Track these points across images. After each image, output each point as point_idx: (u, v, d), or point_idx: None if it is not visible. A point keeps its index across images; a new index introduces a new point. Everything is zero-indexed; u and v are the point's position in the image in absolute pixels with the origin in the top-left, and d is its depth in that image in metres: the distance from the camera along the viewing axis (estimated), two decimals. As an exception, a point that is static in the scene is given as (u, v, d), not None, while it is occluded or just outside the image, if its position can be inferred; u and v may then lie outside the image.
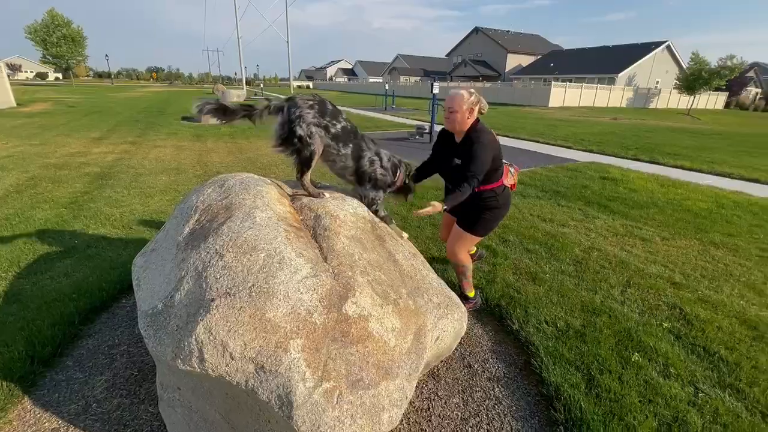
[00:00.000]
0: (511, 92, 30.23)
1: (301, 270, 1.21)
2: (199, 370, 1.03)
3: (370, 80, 64.31)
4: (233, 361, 1.01)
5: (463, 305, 1.91)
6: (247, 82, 57.23)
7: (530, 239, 3.68)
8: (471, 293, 2.61)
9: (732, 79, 30.25)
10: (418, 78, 53.23)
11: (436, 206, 2.03)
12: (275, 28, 41.71)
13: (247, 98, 28.46)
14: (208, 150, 7.91)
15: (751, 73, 42.68)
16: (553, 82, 26.96)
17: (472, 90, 2.23)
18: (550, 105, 26.33)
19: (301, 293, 1.14)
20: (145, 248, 1.78)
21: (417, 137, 10.68)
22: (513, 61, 45.23)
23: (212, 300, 1.09)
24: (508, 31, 49.33)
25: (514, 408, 1.88)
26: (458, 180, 2.16)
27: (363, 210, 2.00)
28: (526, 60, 45.73)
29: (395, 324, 1.29)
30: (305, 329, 1.07)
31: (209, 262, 1.21)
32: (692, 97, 30.68)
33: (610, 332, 2.33)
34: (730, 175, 6.90)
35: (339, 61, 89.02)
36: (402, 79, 52.13)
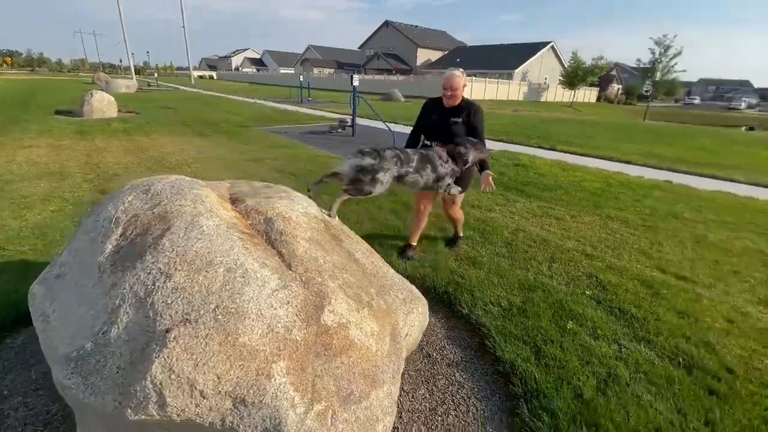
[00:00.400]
0: (423, 85, 31.54)
1: (269, 282, 1.08)
2: (159, 417, 0.85)
3: (281, 71, 61.62)
4: (205, 400, 0.85)
5: (423, 297, 1.92)
6: (137, 71, 50.35)
7: (464, 226, 3.87)
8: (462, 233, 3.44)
9: (601, 77, 35.67)
10: (332, 70, 52.50)
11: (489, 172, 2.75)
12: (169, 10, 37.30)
13: (139, 89, 25.14)
14: (99, 149, 6.78)
15: (614, 72, 50.64)
16: (456, 73, 28.76)
17: (461, 69, 2.81)
18: (459, 98, 28.09)
19: (275, 308, 1.01)
20: (45, 274, 1.43)
21: (339, 130, 10.52)
22: (423, 55, 47.16)
23: (167, 330, 0.90)
24: (416, 26, 51.23)
25: (476, 389, 1.96)
26: (458, 135, 2.71)
27: (313, 209, 1.88)
28: (434, 55, 48.02)
29: (373, 327, 1.23)
30: (287, 348, 0.95)
31: (154, 284, 1.00)
32: (573, 91, 35.46)
33: (546, 305, 2.56)
34: (610, 158, 8.12)
35: (245, 50, 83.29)
36: (315, 70, 50.90)
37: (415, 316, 1.66)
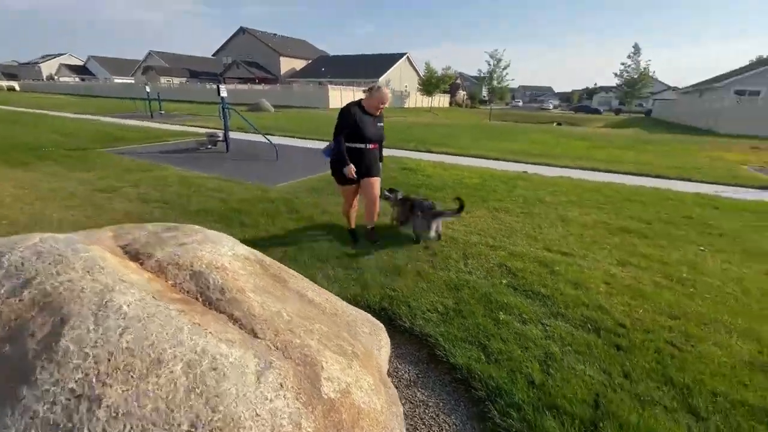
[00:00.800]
0: (290, 95, 30.92)
1: (248, 364, 0.81)
2: None
3: (116, 80, 52.58)
4: None
5: (379, 322, 1.79)
6: None
7: (377, 233, 3.85)
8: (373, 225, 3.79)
9: (451, 84, 40.66)
10: (183, 79, 46.99)
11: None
12: (-71, 0, 27.86)
13: None
14: None
15: (458, 80, 58.42)
16: (329, 86, 29.16)
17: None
18: (331, 106, 28.46)
19: (271, 401, 0.75)
20: None
21: (209, 146, 9.43)
22: (286, 64, 46.17)
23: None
24: (275, 35, 49.86)
25: (441, 404, 1.93)
26: (380, 138, 3.48)
27: (241, 248, 1.58)
28: (298, 63, 47.52)
29: (369, 380, 1.06)
30: (301, 450, 0.71)
31: (70, 420, 0.64)
32: (430, 98, 39.55)
33: (475, 301, 2.71)
34: (477, 156, 9.27)
35: (60, 55, 67.95)
36: (163, 80, 44.82)
37: (385, 348, 1.53)
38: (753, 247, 3.90)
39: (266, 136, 9.06)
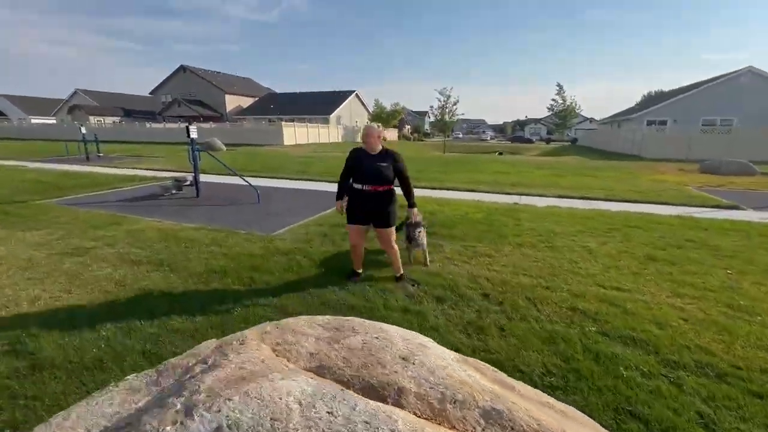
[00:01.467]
0: (240, 132, 29.97)
1: None
2: None
3: (34, 121, 47.64)
4: None
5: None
6: None
7: (430, 297, 3.53)
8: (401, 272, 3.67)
9: (399, 119, 42.30)
10: (117, 118, 43.71)
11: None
12: None
13: None
14: None
15: (404, 115, 61.09)
16: (283, 123, 28.75)
17: (377, 123, 3.39)
18: (285, 143, 27.94)
19: None
20: None
21: (174, 192, 8.55)
22: (232, 102, 45.11)
23: None
24: (219, 72, 48.84)
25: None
26: (386, 178, 3.30)
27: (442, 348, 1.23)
28: (244, 101, 46.67)
29: None
30: None
31: None
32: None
33: (582, 356, 2.48)
34: (456, 189, 9.34)
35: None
36: (93, 119, 41.30)
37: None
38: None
39: (244, 178, 8.41)
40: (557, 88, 39.29)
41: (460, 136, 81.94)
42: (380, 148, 3.30)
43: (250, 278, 3.68)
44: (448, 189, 9.34)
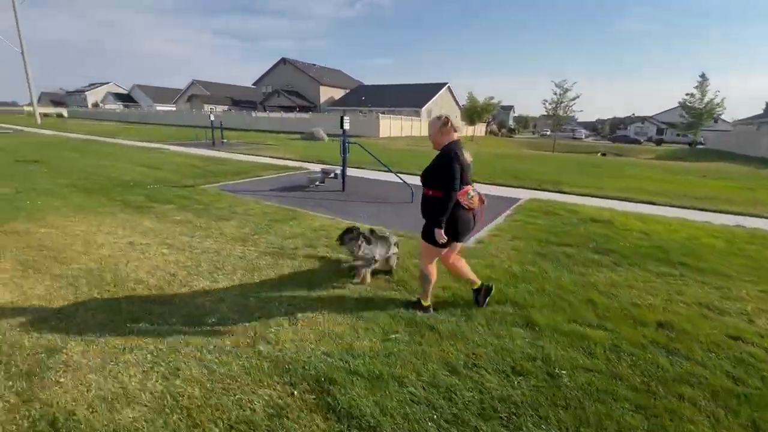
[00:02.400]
0: (336, 123, 30.53)
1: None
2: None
3: (158, 108, 54.20)
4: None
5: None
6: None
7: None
8: (426, 303, 2.92)
9: (492, 114, 39.99)
10: (226, 107, 47.88)
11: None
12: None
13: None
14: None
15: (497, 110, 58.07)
16: (380, 115, 28.69)
17: (439, 115, 2.72)
18: (381, 135, 27.84)
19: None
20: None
21: (317, 184, 8.40)
22: (325, 93, 46.65)
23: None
24: (314, 65, 50.83)
25: None
26: (428, 179, 2.73)
27: None
28: (336, 92, 47.98)
29: None
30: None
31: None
32: (473, 127, 38.91)
33: None
34: (623, 198, 7.80)
35: (105, 83, 71.24)
36: (207, 108, 45.71)
37: None
38: None
39: (399, 176, 7.94)
40: (699, 79, 32.59)
41: (548, 133, 75.96)
42: (444, 144, 2.68)
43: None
44: (618, 199, 7.87)
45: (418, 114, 36.67)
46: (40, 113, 34.55)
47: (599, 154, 32.46)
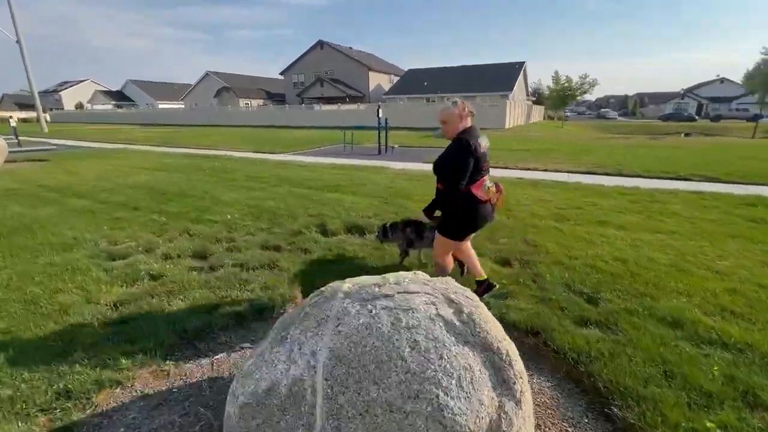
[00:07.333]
0: (434, 113, 24.89)
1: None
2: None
3: (161, 106, 47.08)
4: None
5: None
6: None
7: None
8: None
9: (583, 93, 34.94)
10: (261, 101, 41.16)
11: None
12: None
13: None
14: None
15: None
16: (508, 102, 23.27)
17: (454, 100, 2.54)
18: (507, 126, 22.55)
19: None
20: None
21: None
22: (374, 79, 40.62)
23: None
24: (351, 48, 44.42)
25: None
26: (437, 170, 2.63)
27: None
28: (382, 79, 42.01)
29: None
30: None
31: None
32: (562, 111, 34.04)
33: None
34: None
35: (81, 81, 61.29)
36: (241, 102, 38.97)
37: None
38: None
39: None
40: None
41: (587, 112, 73.16)
42: (450, 134, 2.51)
43: None
44: None
45: (506, 98, 31.32)
46: (18, 118, 26.39)
47: (683, 135, 28.61)
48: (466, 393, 1.21)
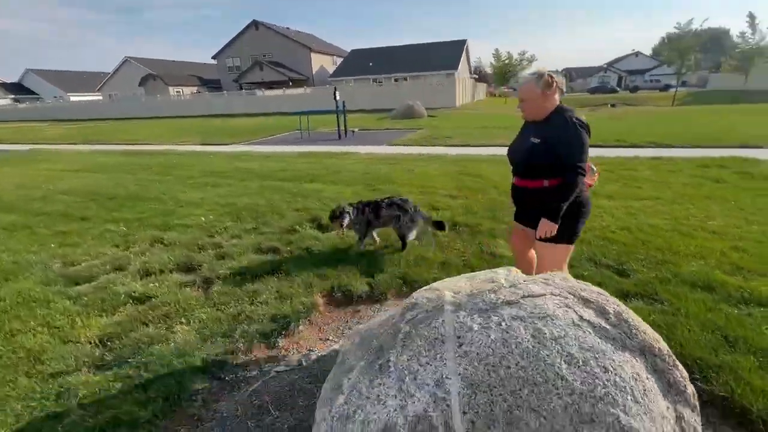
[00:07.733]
0: (396, 94, 24.55)
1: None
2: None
3: (74, 98, 41.83)
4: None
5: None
6: None
7: None
8: None
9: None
10: (194, 88, 37.65)
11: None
12: None
13: None
14: None
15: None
16: (456, 79, 23.41)
17: (539, 72, 1.98)
18: (457, 104, 22.84)
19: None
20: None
21: None
22: (316, 61, 38.97)
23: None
24: (288, 28, 42.04)
25: None
26: (525, 163, 2.11)
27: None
28: (325, 61, 40.48)
29: None
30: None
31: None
32: (504, 87, 35.30)
33: None
34: None
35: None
36: (172, 90, 35.33)
37: None
38: None
39: None
40: (747, 19, 32.28)
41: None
42: (547, 112, 1.99)
43: None
44: None
45: (452, 77, 31.69)
46: None
47: (610, 106, 31.19)
48: (645, 408, 1.05)
